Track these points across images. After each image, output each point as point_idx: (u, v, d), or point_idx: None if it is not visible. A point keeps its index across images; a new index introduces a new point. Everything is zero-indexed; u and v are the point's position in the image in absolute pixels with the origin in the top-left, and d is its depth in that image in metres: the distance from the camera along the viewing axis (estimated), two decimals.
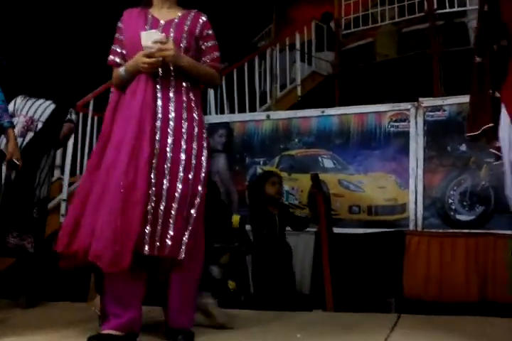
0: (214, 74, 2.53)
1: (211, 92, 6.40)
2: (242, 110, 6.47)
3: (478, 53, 2.43)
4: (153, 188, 2.26)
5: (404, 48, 7.43)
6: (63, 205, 4.81)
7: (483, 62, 2.39)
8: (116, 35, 2.53)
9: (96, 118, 5.27)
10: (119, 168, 2.23)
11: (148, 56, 2.29)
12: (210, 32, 2.53)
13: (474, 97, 2.48)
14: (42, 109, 3.67)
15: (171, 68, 2.38)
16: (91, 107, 5.28)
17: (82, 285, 4.07)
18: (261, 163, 4.95)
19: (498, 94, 2.33)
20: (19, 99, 3.70)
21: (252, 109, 6.92)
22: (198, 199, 2.36)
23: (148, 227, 2.23)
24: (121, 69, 2.43)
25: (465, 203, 4.18)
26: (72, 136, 4.87)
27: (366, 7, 8.03)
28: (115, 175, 2.23)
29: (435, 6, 7.41)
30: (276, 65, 7.23)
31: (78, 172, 5.34)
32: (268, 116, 5.12)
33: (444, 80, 6.25)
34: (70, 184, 5.00)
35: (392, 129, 4.49)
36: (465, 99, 3.92)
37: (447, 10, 7.26)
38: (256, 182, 4.22)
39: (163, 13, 2.49)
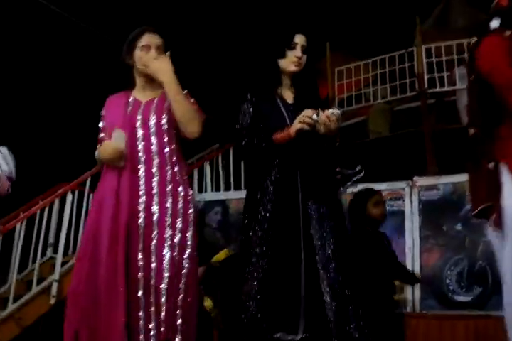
0: (197, 112, 2.48)
1: (207, 169, 6.47)
2: (237, 187, 6.51)
3: (471, 124, 2.40)
4: (141, 273, 2.25)
5: (396, 126, 7.59)
6: (55, 286, 4.72)
7: (476, 132, 2.34)
8: (100, 123, 2.58)
9: (92, 196, 5.29)
10: (99, 260, 2.26)
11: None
12: (192, 100, 2.55)
13: (470, 173, 2.43)
14: None
15: (152, 147, 2.40)
16: (87, 186, 5.31)
17: None
18: None
19: (491, 166, 2.23)
20: None
21: None
22: (184, 279, 2.32)
23: (141, 313, 2.21)
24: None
25: (462, 284, 4.13)
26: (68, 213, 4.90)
27: (359, 87, 8.26)
28: (97, 267, 2.26)
29: (426, 86, 7.65)
30: None
31: (71, 251, 5.29)
32: None
33: (438, 158, 6.34)
34: (63, 263, 4.94)
35: (387, 208, 4.50)
36: (459, 178, 4.00)
37: (438, 89, 7.49)
38: (356, 202, 3.75)
39: (147, 94, 2.55)
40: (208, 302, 3.70)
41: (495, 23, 2.34)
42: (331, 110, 2.37)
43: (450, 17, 9.71)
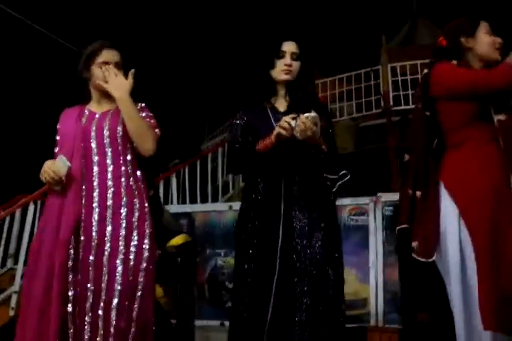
0: (150, 128, 2.43)
1: (173, 181, 6.44)
2: (204, 200, 6.50)
3: (409, 151, 2.52)
4: (92, 286, 2.22)
5: (362, 142, 7.71)
6: (14, 298, 4.62)
7: (410, 160, 2.48)
8: (56, 137, 2.55)
9: None
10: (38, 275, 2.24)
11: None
12: (146, 114, 2.51)
13: (399, 195, 2.53)
14: None
15: (107, 158, 2.39)
16: None
17: None
18: (222, 254, 4.91)
19: (418, 194, 2.34)
20: None
21: (215, 198, 6.97)
22: (139, 292, 2.28)
23: (87, 328, 2.18)
24: None
25: None
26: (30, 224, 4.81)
27: (325, 103, 8.37)
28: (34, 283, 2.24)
29: (391, 103, 7.80)
30: None
31: None
32: (230, 207, 5.15)
33: (402, 175, 6.44)
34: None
35: (351, 223, 4.55)
36: None
37: (403, 107, 7.64)
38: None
39: (102, 106, 2.54)
40: (157, 290, 3.59)
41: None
42: (306, 114, 2.30)
43: (416, 36, 9.94)
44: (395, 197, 4.59)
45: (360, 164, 6.82)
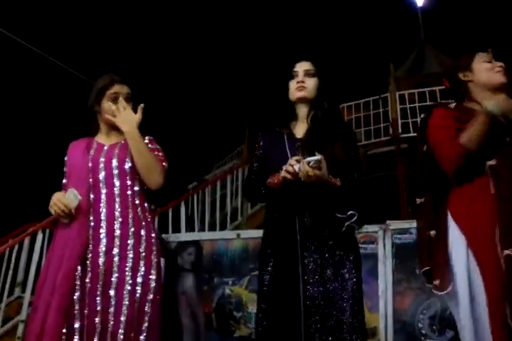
0: (157, 161, 2.45)
1: (182, 209, 6.44)
2: (212, 228, 6.48)
3: (420, 194, 2.49)
4: (99, 318, 2.22)
5: (371, 170, 7.69)
6: (21, 327, 4.59)
7: (422, 202, 2.46)
8: (64, 169, 2.57)
9: None
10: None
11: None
12: (154, 147, 2.54)
13: (418, 237, 2.52)
14: None
15: (115, 190, 2.40)
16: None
17: None
18: (230, 283, 4.86)
19: (432, 234, 2.35)
20: None
21: (223, 226, 6.95)
22: (146, 323, 2.27)
23: None
24: None
25: (435, 327, 4.10)
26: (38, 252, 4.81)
27: None
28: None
29: (400, 131, 7.82)
30: None
31: None
32: (238, 235, 5.12)
33: (411, 202, 6.40)
34: (31, 303, 4.81)
35: (361, 251, 4.49)
36: None
37: (411, 134, 7.65)
38: None
39: (111, 138, 2.56)
40: None
41: (490, 106, 2.46)
42: (308, 158, 2.21)
43: (423, 64, 10.01)
44: (404, 225, 4.57)
45: (369, 191, 6.81)
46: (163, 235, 5.06)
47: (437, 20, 10.65)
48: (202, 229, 6.49)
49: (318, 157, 2.22)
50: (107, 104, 2.51)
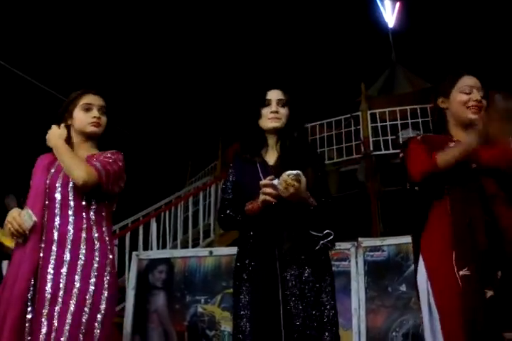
0: (79, 161, 2.36)
1: (154, 226, 6.37)
2: (184, 246, 6.42)
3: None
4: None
5: (343, 187, 7.74)
6: None
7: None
8: (31, 182, 2.51)
9: None
10: None
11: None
12: (110, 155, 2.47)
13: None
14: None
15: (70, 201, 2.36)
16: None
17: None
18: (202, 301, 4.80)
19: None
20: None
21: (196, 242, 6.90)
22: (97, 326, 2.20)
23: None
24: None
25: None
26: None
27: None
28: None
29: (371, 148, 7.91)
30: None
31: None
32: (211, 252, 5.07)
33: (382, 219, 6.47)
34: None
35: (333, 268, 4.50)
36: (403, 239, 4.06)
37: (383, 152, 7.75)
38: None
39: (78, 153, 2.48)
40: None
41: (468, 138, 2.46)
42: (287, 173, 2.21)
43: (394, 84, 10.18)
44: (376, 242, 4.59)
45: (341, 209, 6.84)
46: (134, 253, 4.99)
47: (408, 41, 10.86)
48: (174, 247, 6.43)
49: (297, 171, 2.23)
50: (79, 114, 2.48)
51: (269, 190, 2.25)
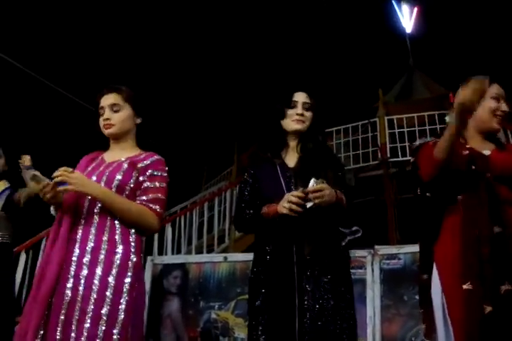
0: (147, 214, 2.28)
1: (169, 231, 6.37)
2: (199, 251, 6.41)
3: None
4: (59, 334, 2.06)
5: (359, 194, 7.68)
6: None
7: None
8: None
9: None
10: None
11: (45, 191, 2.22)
12: (160, 174, 2.40)
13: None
14: None
15: (98, 204, 2.27)
16: (42, 246, 5.14)
17: None
18: (216, 307, 4.79)
19: (425, 277, 2.31)
20: None
21: (211, 248, 6.88)
22: None
23: None
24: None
25: None
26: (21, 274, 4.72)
27: None
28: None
29: (388, 155, 7.84)
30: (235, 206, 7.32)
31: None
32: (225, 258, 5.06)
33: (399, 227, 6.40)
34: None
35: None
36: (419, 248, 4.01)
37: (400, 158, 7.68)
38: None
39: (114, 154, 2.46)
40: None
41: (448, 118, 2.43)
42: (311, 183, 2.21)
43: (412, 89, 10.11)
44: (392, 250, 4.54)
45: (358, 216, 6.79)
46: (149, 257, 5.00)
47: (426, 46, 10.78)
48: (189, 252, 6.42)
49: (319, 179, 2.24)
50: (100, 120, 2.47)
51: (296, 207, 2.23)
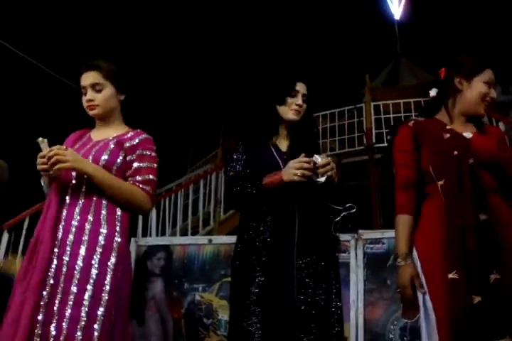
0: (138, 194, 2.29)
1: (153, 213, 6.35)
2: (184, 233, 6.41)
3: None
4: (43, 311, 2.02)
5: (344, 179, 7.70)
6: None
7: None
8: None
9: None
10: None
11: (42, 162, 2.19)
12: (149, 153, 2.39)
13: None
14: None
15: (84, 184, 2.24)
16: (25, 226, 5.09)
17: None
18: (200, 289, 4.80)
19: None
20: None
21: (195, 230, 6.88)
22: (95, 326, 2.02)
23: None
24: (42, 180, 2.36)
25: (405, 338, 4.10)
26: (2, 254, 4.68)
27: None
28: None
29: (374, 141, 7.87)
30: (220, 188, 7.32)
31: None
32: (210, 241, 5.06)
33: (383, 212, 6.45)
34: None
35: None
36: None
37: (385, 144, 7.70)
38: None
39: (101, 132, 2.43)
40: None
41: (433, 92, 2.44)
42: (318, 159, 2.27)
43: (398, 76, 10.12)
44: (376, 234, 4.57)
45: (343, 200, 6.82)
46: (133, 239, 4.98)
47: (413, 33, 10.78)
48: (173, 234, 6.41)
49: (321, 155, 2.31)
50: (83, 100, 2.43)
51: (308, 172, 2.27)
